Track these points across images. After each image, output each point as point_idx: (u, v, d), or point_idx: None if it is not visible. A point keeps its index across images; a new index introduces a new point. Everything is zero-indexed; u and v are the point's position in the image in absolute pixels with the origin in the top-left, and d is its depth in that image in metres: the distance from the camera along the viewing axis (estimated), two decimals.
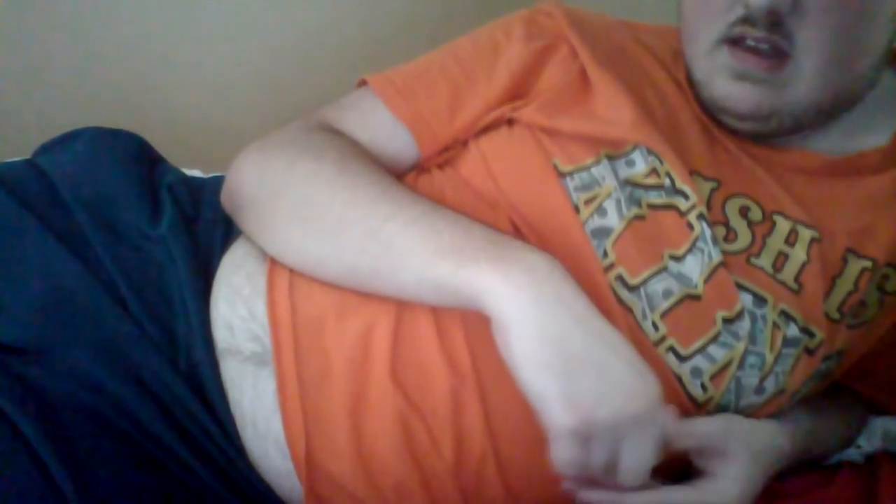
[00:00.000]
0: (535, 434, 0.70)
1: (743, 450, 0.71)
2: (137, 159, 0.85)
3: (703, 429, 0.71)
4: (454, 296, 0.67)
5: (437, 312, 0.71)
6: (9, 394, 0.66)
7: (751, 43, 0.72)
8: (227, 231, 0.82)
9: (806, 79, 0.72)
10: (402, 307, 0.72)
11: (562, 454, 0.63)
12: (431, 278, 0.68)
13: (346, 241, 0.71)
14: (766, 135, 0.78)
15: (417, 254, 0.68)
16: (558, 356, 0.63)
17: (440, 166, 0.82)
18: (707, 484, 0.71)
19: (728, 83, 0.74)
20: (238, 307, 0.74)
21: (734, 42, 0.73)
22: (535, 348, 0.63)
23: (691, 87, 0.80)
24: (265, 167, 0.77)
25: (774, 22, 0.70)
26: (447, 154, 0.82)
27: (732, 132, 0.79)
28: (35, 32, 1.18)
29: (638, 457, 0.63)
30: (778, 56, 0.72)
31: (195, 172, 0.96)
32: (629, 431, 0.63)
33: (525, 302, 0.64)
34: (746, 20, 0.71)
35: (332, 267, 0.73)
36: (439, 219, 0.70)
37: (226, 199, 0.80)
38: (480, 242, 0.68)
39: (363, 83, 0.84)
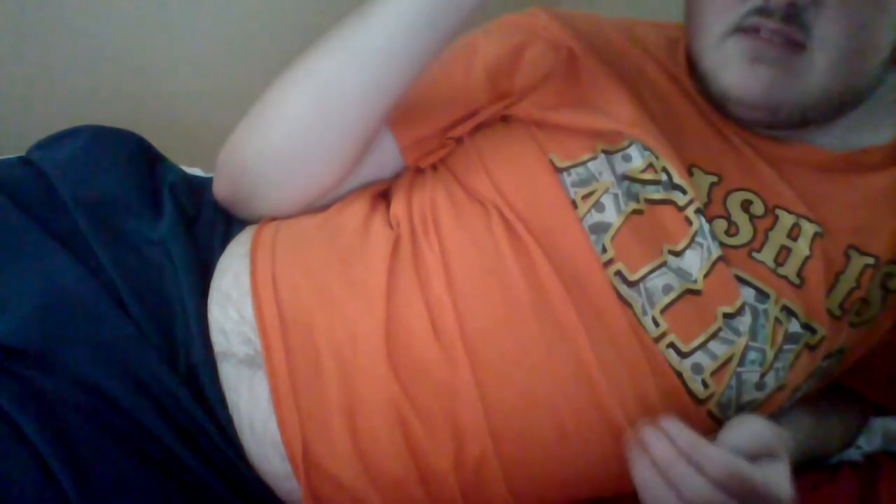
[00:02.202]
0: (537, 433, 0.69)
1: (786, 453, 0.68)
2: (137, 159, 0.84)
3: (762, 430, 0.67)
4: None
5: (431, 305, 0.71)
6: (10, 394, 0.66)
7: (765, 34, 0.72)
8: (226, 232, 0.82)
9: (818, 71, 0.73)
10: (392, 300, 0.71)
11: None
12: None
13: (332, 38, 0.76)
14: (772, 126, 0.78)
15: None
16: None
17: (434, 166, 0.82)
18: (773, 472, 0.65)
19: (740, 68, 0.74)
20: (229, 310, 0.74)
21: (746, 31, 0.73)
22: None
23: (696, 80, 0.80)
24: (248, 115, 0.79)
25: (792, 14, 0.70)
26: (442, 152, 0.82)
27: (736, 123, 0.79)
28: (35, 32, 1.18)
29: None
30: (792, 46, 0.72)
31: (196, 171, 0.95)
32: None
33: None
34: (762, 10, 0.71)
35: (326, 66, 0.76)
36: None
37: (221, 178, 0.81)
38: None
39: None
